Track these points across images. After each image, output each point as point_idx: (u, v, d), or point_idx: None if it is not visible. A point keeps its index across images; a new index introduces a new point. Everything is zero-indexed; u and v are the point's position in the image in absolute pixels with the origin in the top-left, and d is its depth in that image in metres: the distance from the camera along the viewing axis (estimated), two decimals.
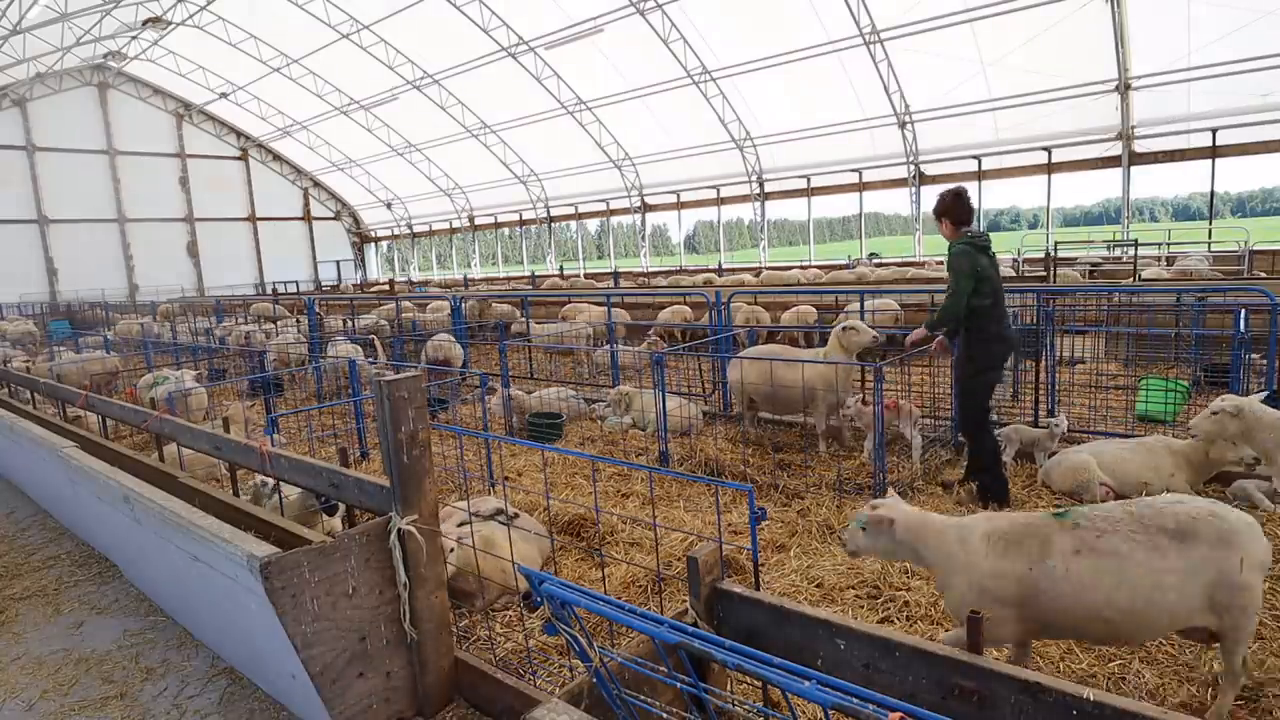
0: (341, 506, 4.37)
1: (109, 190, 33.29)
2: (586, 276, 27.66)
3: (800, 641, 2.36)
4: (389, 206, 40.06)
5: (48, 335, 18.33)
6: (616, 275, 24.09)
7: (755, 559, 2.78)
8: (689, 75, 23.76)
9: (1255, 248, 15.32)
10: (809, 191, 26.58)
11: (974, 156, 22.43)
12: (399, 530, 2.84)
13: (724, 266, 26.74)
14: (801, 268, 21.00)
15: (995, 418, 6.62)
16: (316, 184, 40.43)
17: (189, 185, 35.79)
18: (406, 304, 15.26)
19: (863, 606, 3.71)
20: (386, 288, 26.30)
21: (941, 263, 19.95)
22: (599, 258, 36.82)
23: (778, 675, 1.42)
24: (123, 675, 3.63)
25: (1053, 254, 13.54)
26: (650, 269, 29.12)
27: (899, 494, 3.29)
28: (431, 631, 2.96)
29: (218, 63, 30.76)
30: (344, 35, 26.63)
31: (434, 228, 39.50)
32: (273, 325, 15.12)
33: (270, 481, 4.61)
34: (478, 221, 37.32)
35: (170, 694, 3.44)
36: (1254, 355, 6.34)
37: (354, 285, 35.04)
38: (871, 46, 20.44)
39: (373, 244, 43.43)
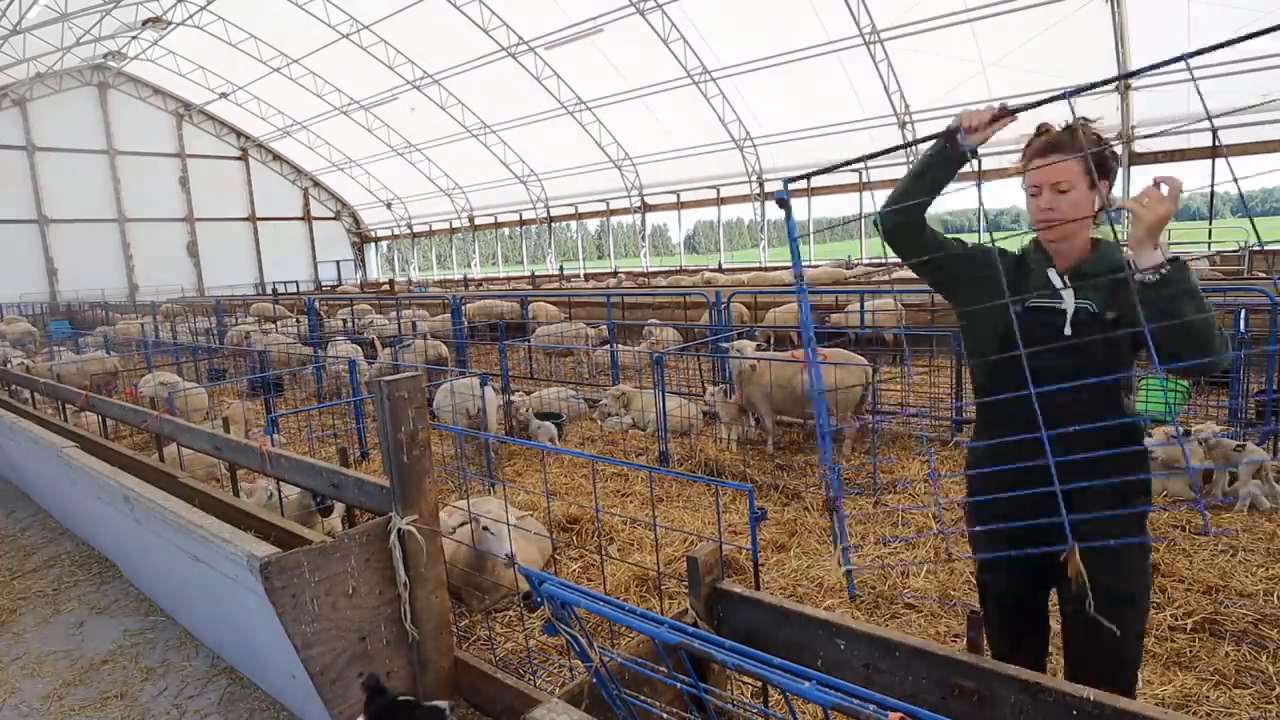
0: (339, 506, 4.37)
1: (109, 190, 33.29)
2: (586, 277, 27.67)
3: (800, 641, 2.36)
4: (389, 206, 40.06)
5: (47, 335, 18.34)
6: (614, 275, 24.09)
7: (755, 559, 2.77)
8: (689, 75, 23.76)
9: (1255, 248, 15.32)
10: (809, 191, 26.57)
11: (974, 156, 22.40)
12: (399, 530, 2.84)
13: (724, 266, 26.79)
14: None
15: None
16: (316, 184, 40.44)
17: (189, 185, 35.79)
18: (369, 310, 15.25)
19: (862, 607, 3.72)
20: (386, 288, 26.33)
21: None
22: (599, 258, 36.83)
23: (778, 676, 1.42)
24: (123, 675, 3.63)
25: None
26: (650, 269, 29.15)
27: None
28: (432, 631, 2.96)
29: (218, 63, 30.76)
30: (344, 35, 26.64)
31: (434, 228, 39.51)
32: (273, 325, 15.13)
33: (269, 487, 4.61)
34: (478, 221, 37.32)
35: (170, 694, 3.44)
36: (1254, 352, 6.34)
37: (356, 285, 35.01)
38: (871, 46, 20.44)
39: (373, 244, 43.44)
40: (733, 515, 4.95)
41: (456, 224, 38.18)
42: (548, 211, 34.09)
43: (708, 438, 6.69)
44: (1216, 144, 18.40)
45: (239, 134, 37.16)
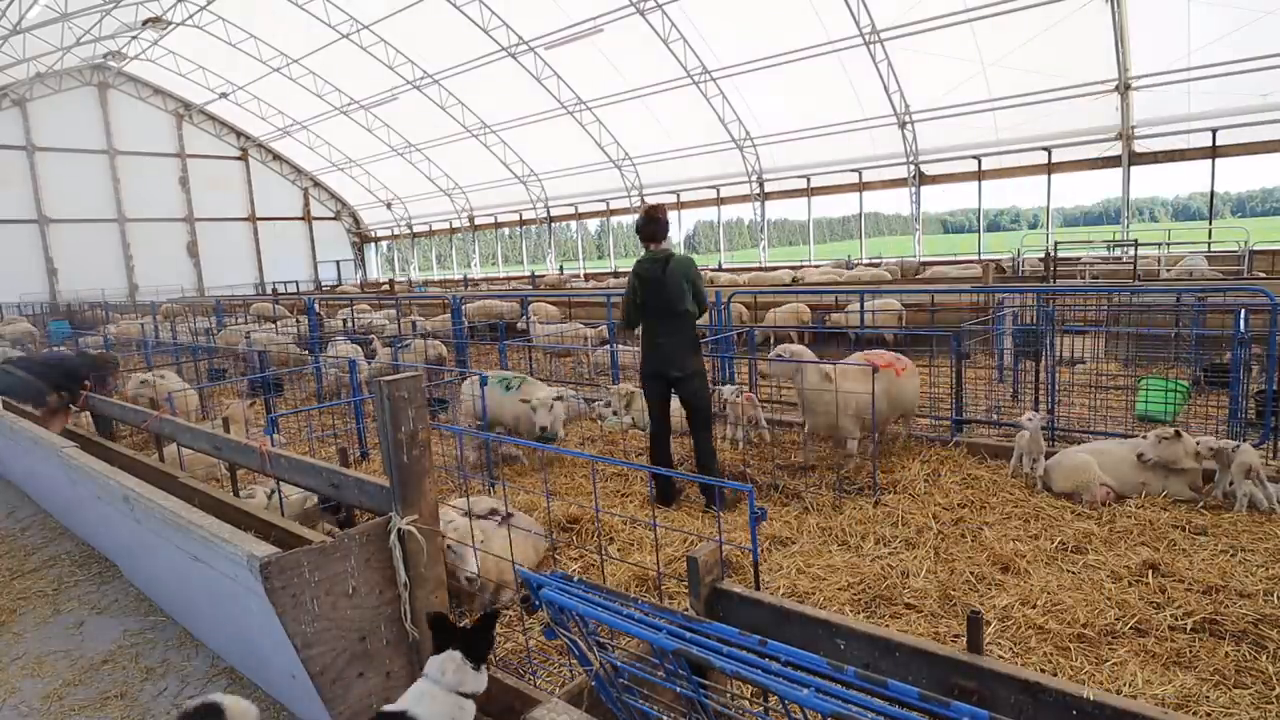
0: None
1: (109, 190, 33.29)
2: (586, 277, 27.67)
3: (800, 642, 2.36)
4: (389, 206, 40.06)
5: (47, 335, 18.33)
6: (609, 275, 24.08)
7: (755, 559, 2.78)
8: (689, 75, 23.76)
9: (1255, 248, 15.33)
10: (809, 191, 26.58)
11: (974, 156, 22.43)
12: (399, 530, 2.84)
13: (724, 266, 26.79)
14: (792, 268, 20.98)
15: (995, 418, 6.63)
16: (316, 184, 40.44)
17: (189, 185, 35.79)
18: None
19: (861, 606, 3.72)
20: (386, 288, 26.33)
21: (924, 264, 19.98)
22: (599, 258, 36.82)
23: (777, 683, 1.42)
24: (123, 675, 3.63)
25: (1053, 254, 13.54)
26: None
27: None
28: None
29: (218, 63, 30.76)
30: (344, 35, 26.63)
31: (434, 228, 39.50)
32: (272, 325, 15.13)
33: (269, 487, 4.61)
34: (478, 221, 37.32)
35: (170, 694, 3.44)
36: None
37: (356, 285, 35.01)
38: (871, 46, 20.44)
39: (373, 244, 43.44)
40: (733, 515, 4.95)
41: (456, 224, 38.17)
42: (548, 211, 34.09)
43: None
44: (1216, 144, 18.41)
45: (239, 134, 37.16)
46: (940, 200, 25.74)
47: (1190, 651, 3.15)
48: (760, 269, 23.48)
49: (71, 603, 4.48)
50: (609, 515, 4.94)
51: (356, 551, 2.77)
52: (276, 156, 38.74)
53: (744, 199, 27.89)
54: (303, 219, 40.41)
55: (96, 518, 4.77)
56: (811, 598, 3.82)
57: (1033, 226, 26.16)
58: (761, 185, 27.20)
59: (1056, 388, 6.52)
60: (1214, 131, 18.29)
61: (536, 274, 28.06)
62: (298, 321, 15.09)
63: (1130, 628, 3.32)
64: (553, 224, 34.74)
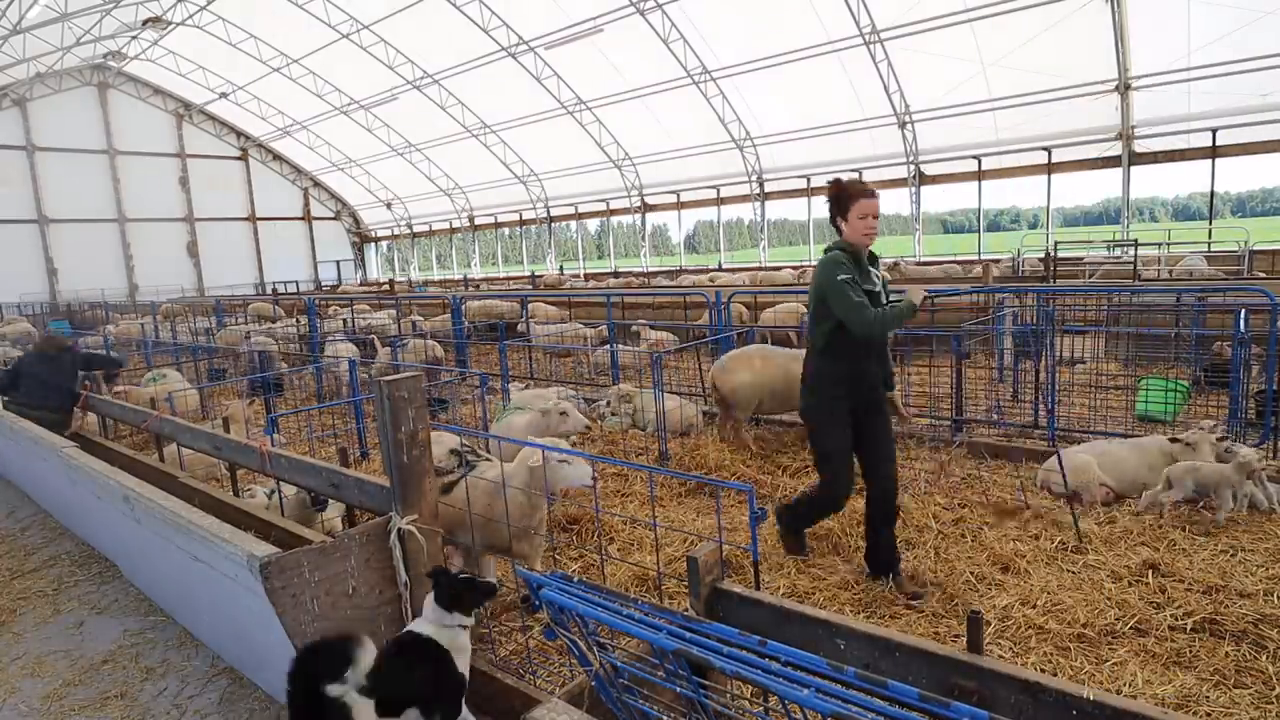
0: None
1: (109, 190, 33.28)
2: (586, 277, 27.67)
3: (800, 641, 2.36)
4: (389, 206, 40.06)
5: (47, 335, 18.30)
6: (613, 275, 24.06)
7: (755, 559, 2.78)
8: (689, 75, 23.76)
9: (1255, 248, 15.33)
10: (809, 191, 26.57)
11: (974, 156, 22.43)
12: (399, 530, 2.85)
13: (724, 266, 26.79)
14: (794, 268, 20.98)
15: (995, 418, 6.63)
16: (316, 184, 40.43)
17: (189, 185, 35.78)
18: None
19: (861, 606, 3.71)
20: (386, 288, 26.31)
21: (924, 264, 19.99)
22: (599, 258, 36.82)
23: (777, 684, 1.42)
24: (123, 675, 3.63)
25: (1053, 254, 13.54)
26: (650, 269, 29.15)
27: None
28: None
29: (218, 63, 30.75)
30: (344, 35, 26.63)
31: (434, 228, 39.50)
32: (272, 325, 15.13)
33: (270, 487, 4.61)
34: (478, 221, 37.32)
35: (170, 694, 3.44)
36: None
37: (362, 286, 35.00)
38: (871, 46, 20.44)
39: (373, 244, 43.44)
40: (733, 515, 4.95)
41: (456, 224, 38.17)
42: (548, 211, 34.09)
43: (708, 437, 6.68)
44: (1216, 144, 18.40)
45: (239, 134, 37.15)
46: (940, 200, 25.77)
47: (1190, 651, 3.15)
48: (760, 269, 23.47)
49: (71, 603, 4.48)
50: (609, 515, 4.94)
51: (356, 551, 2.77)
52: (276, 156, 38.73)
53: (744, 199, 27.88)
54: (303, 219, 40.40)
55: (96, 518, 4.77)
56: (811, 598, 3.82)
57: (1033, 226, 26.16)
58: (761, 185, 27.20)
59: (1056, 388, 6.52)
60: (1214, 131, 18.28)
61: (536, 274, 28.05)
62: (297, 322, 15.08)
63: (1130, 628, 3.32)
64: (553, 224, 34.74)
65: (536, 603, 1.99)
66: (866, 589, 3.84)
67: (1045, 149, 21.08)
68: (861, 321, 3.56)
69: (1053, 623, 3.37)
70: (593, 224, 35.63)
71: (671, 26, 22.43)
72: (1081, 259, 15.54)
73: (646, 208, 30.78)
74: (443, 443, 3.96)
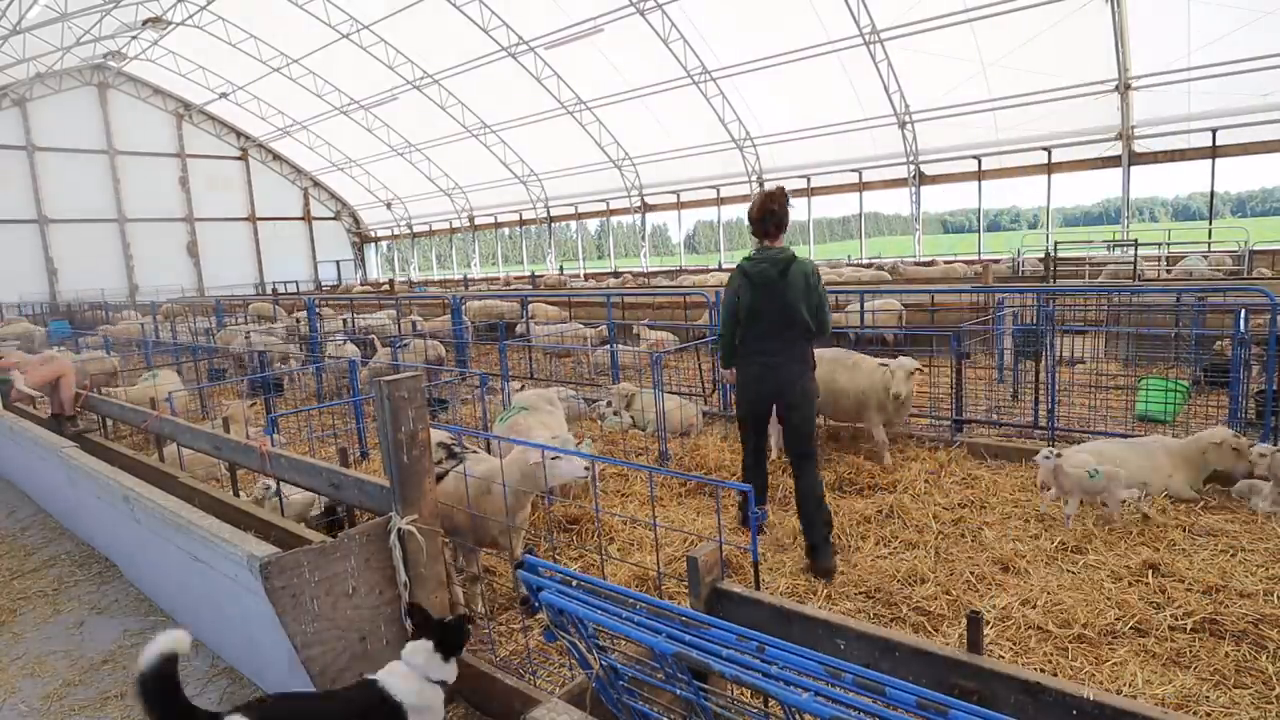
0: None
1: (109, 190, 33.28)
2: (586, 277, 27.68)
3: (800, 642, 2.36)
4: (389, 206, 40.06)
5: (48, 335, 18.32)
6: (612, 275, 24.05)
7: (755, 559, 2.78)
8: (689, 75, 23.76)
9: (1255, 248, 15.33)
10: (809, 191, 26.58)
11: (974, 156, 22.43)
12: (399, 530, 2.84)
13: (724, 266, 26.79)
14: None
15: (995, 418, 6.63)
16: (316, 184, 40.43)
17: (189, 185, 35.78)
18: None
19: (861, 606, 3.71)
20: (386, 288, 26.30)
21: (930, 263, 19.98)
22: (599, 258, 36.81)
23: (776, 688, 1.42)
24: (123, 675, 3.63)
25: (1053, 254, 13.54)
26: (650, 269, 29.15)
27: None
28: None
29: (218, 63, 30.76)
30: (344, 35, 26.63)
31: (434, 228, 39.51)
32: (273, 324, 15.12)
33: (272, 485, 4.61)
34: (478, 221, 37.32)
35: None
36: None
37: (365, 286, 34.99)
38: (871, 46, 20.44)
39: (373, 244, 43.44)
40: (733, 515, 4.95)
41: (456, 224, 38.17)
42: (548, 211, 34.09)
43: (708, 437, 6.69)
44: (1216, 144, 18.40)
45: (239, 134, 37.16)
46: (940, 200, 25.76)
47: (1190, 651, 3.15)
48: None
49: (71, 603, 4.48)
50: (609, 515, 4.94)
51: (356, 551, 2.77)
52: (276, 156, 38.73)
53: (744, 199, 27.85)
54: (303, 219, 40.40)
55: (96, 518, 4.77)
56: (812, 598, 3.82)
57: (1033, 226, 26.15)
58: (762, 185, 27.18)
59: (1056, 388, 6.52)
60: (1214, 131, 18.28)
61: (536, 274, 28.04)
62: (297, 321, 15.09)
63: (1130, 628, 3.32)
64: (553, 224, 34.74)
65: (536, 604, 1.99)
66: (867, 589, 3.84)
67: (1045, 149, 21.08)
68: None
69: (1052, 623, 3.38)
70: (593, 224, 35.64)
71: (671, 26, 22.43)
72: (1083, 259, 15.54)
73: (646, 208, 30.78)
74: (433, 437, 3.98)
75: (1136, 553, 4.01)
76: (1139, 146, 19.36)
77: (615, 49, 23.95)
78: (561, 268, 32.33)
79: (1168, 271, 13.80)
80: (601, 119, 27.70)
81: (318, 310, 12.76)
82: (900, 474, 5.45)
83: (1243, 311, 6.09)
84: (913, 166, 23.35)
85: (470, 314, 14.88)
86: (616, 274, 26.60)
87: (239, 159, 37.67)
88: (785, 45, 21.58)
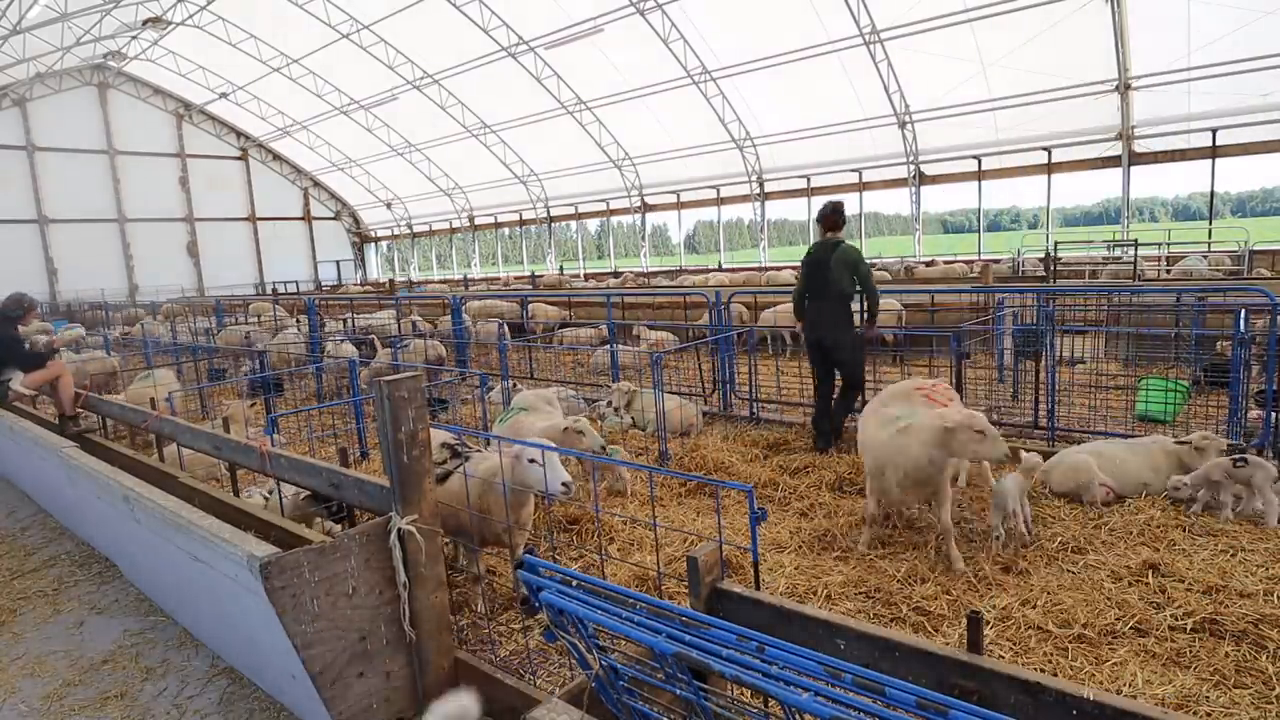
0: None
1: (109, 190, 33.28)
2: (586, 277, 27.67)
3: (800, 642, 2.36)
4: (389, 206, 40.06)
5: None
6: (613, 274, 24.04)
7: (755, 559, 2.78)
8: (689, 75, 23.76)
9: (1255, 248, 15.32)
10: (809, 191, 26.57)
11: (974, 156, 22.43)
12: (399, 530, 2.84)
13: (724, 266, 26.80)
14: (795, 268, 20.93)
15: (994, 418, 6.61)
16: (316, 184, 40.43)
17: (189, 185, 35.78)
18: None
19: (861, 606, 3.71)
20: (386, 288, 26.30)
21: (929, 263, 19.96)
22: (599, 258, 36.81)
23: (776, 688, 1.42)
24: (123, 675, 3.63)
25: (1053, 254, 13.54)
26: (650, 269, 29.14)
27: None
28: (432, 631, 2.96)
29: (218, 63, 30.75)
30: (344, 35, 26.62)
31: (434, 228, 39.50)
32: (272, 324, 15.11)
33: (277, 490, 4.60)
34: (478, 221, 37.31)
35: (170, 694, 3.44)
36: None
37: (367, 286, 34.99)
38: (871, 46, 20.44)
39: (373, 244, 43.43)
40: (733, 515, 4.95)
41: (456, 224, 38.17)
42: (548, 211, 34.08)
43: (708, 437, 6.69)
44: (1216, 144, 18.40)
45: (239, 134, 37.15)
46: (940, 200, 25.76)
47: (1190, 651, 3.15)
48: (760, 269, 23.47)
49: (71, 603, 4.48)
50: (609, 515, 4.94)
51: (356, 551, 2.77)
52: (276, 156, 38.73)
53: (744, 199, 27.88)
54: (303, 219, 40.40)
55: (96, 518, 4.77)
56: (812, 597, 3.82)
57: (1033, 226, 26.14)
58: (761, 185, 27.19)
59: (1056, 388, 6.51)
60: (1214, 131, 18.28)
61: (537, 274, 28.04)
62: (297, 322, 15.09)
63: (1130, 628, 3.32)
64: (553, 224, 34.73)
65: (536, 604, 1.99)
66: (867, 589, 3.84)
67: (1045, 149, 21.08)
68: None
69: (1052, 623, 3.38)
70: (593, 224, 35.64)
71: (671, 26, 22.43)
72: (1083, 260, 15.53)
73: (646, 208, 30.78)
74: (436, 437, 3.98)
75: (1136, 553, 4.01)
76: (1139, 146, 19.36)
77: (615, 49, 23.95)
78: (561, 268, 32.32)
79: (1167, 272, 13.80)
80: (601, 119, 27.70)
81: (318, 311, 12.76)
82: None
83: (1243, 311, 6.09)
84: (913, 166, 23.34)
85: (472, 314, 14.88)
86: (617, 274, 26.59)
87: (239, 159, 37.67)
88: (785, 45, 21.58)
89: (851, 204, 26.59)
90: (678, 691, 1.72)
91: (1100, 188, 22.91)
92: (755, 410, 7.64)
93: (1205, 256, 14.64)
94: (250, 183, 38.03)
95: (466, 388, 8.90)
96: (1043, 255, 14.99)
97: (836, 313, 6.12)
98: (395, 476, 2.87)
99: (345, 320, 14.69)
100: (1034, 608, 3.51)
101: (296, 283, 35.65)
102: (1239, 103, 17.48)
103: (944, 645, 2.27)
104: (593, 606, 1.82)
